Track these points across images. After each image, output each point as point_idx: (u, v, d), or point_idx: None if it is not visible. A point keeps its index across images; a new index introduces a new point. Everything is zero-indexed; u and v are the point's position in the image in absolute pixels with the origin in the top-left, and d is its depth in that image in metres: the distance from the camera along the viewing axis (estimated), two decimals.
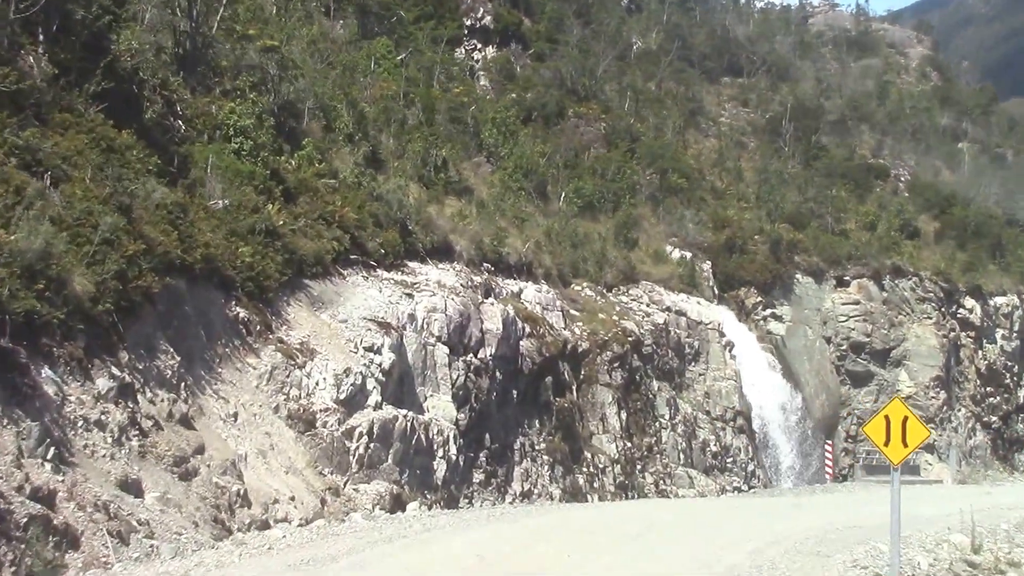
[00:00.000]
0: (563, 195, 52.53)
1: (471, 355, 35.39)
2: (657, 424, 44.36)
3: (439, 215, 39.97)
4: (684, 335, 48.70)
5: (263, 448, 26.46)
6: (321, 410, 28.60)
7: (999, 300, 70.31)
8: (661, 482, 42.85)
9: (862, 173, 79.04)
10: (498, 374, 36.51)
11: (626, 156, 59.73)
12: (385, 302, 33.20)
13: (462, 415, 34.11)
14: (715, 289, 55.50)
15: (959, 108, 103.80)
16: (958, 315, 67.38)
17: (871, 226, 69.27)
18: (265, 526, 24.58)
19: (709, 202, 64.68)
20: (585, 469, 39.58)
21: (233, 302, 28.31)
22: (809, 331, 61.68)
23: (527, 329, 38.88)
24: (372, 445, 29.33)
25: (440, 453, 32.38)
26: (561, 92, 67.28)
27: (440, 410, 33.41)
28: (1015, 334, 70.95)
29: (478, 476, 34.52)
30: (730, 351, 50.97)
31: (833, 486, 49.44)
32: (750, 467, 48.55)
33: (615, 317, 44.53)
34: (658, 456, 43.45)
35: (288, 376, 28.53)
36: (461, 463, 33.41)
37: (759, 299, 60.38)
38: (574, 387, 40.87)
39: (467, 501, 33.64)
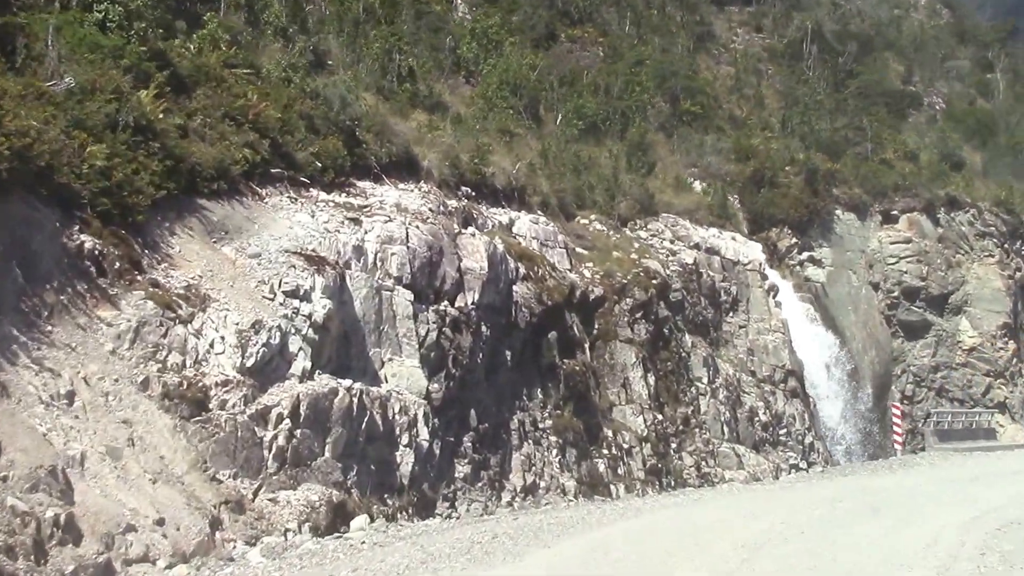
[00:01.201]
0: (560, 116, 42.80)
1: (445, 303, 25.85)
2: (694, 390, 34.78)
3: (400, 124, 30.31)
4: (719, 278, 39.05)
5: (115, 445, 17.01)
6: (217, 384, 19.29)
7: None
8: (703, 463, 33.29)
9: (895, 100, 69.38)
10: (484, 329, 26.97)
11: (633, 72, 49.74)
12: (319, 230, 23.64)
13: (435, 385, 24.64)
14: (745, 228, 45.80)
15: (977, 42, 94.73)
16: (1022, 252, 57.74)
17: (912, 156, 59.50)
18: (106, 574, 15.20)
19: (728, 132, 54.91)
20: (605, 451, 30.05)
21: (77, 227, 18.80)
22: (853, 276, 51.92)
23: (522, 270, 29.31)
24: (299, 433, 20.07)
25: (405, 440, 23.00)
26: (551, 13, 57.39)
27: (404, 379, 23.95)
28: None
29: (462, 468, 25.03)
30: (774, 296, 41.39)
31: (912, 459, 39.80)
32: (807, 439, 38.94)
33: (634, 256, 34.92)
34: (696, 431, 33.88)
35: (165, 336, 19.12)
36: (437, 452, 23.99)
37: (794, 240, 50.46)
38: (586, 345, 31.30)
39: (447, 505, 24.14)
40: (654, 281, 34.02)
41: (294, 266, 21.83)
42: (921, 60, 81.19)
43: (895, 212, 53.87)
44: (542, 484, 27.32)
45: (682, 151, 47.92)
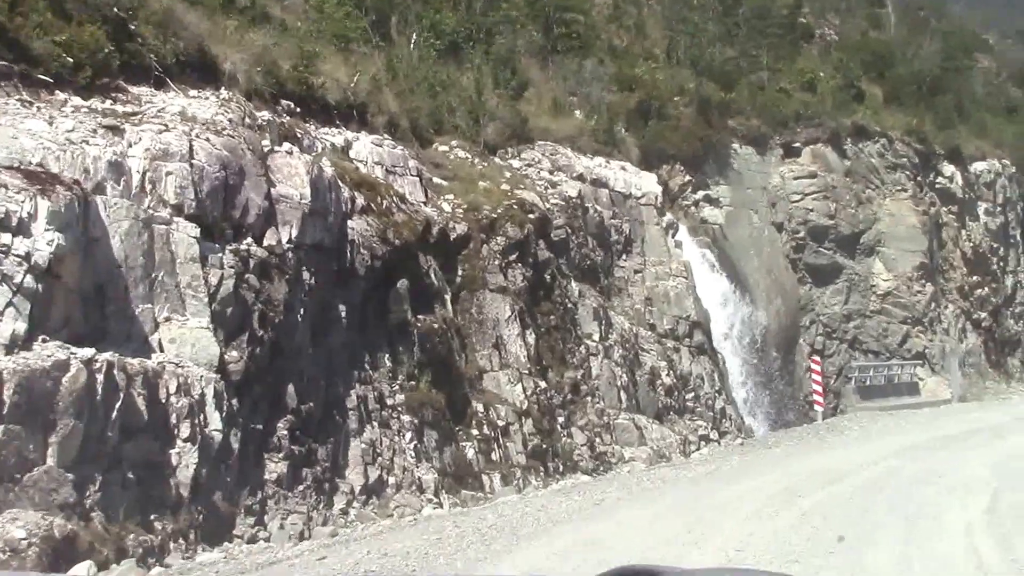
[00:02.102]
0: (415, 35, 35.86)
1: (250, 241, 19.01)
2: (583, 349, 28.27)
3: (191, 15, 23.22)
4: (608, 215, 32.64)
5: None
6: None
7: (979, 166, 55.30)
8: (597, 440, 26.84)
9: (786, 30, 63.55)
10: (308, 275, 20.22)
11: None
12: (58, 141, 16.57)
13: (234, 353, 17.88)
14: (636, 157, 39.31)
15: None
16: (937, 185, 52.28)
17: (810, 86, 53.64)
18: None
19: (608, 63, 48.48)
20: (475, 432, 23.47)
21: None
22: (755, 216, 45.94)
23: (359, 201, 22.56)
24: (5, 431, 13.09)
25: (185, 431, 16.26)
26: None
27: (187, 346, 17.06)
28: (999, 208, 56.13)
29: (275, 468, 18.25)
30: (673, 235, 35.21)
31: (837, 423, 33.71)
32: (718, 404, 32.74)
33: (505, 186, 28.31)
34: (588, 399, 27.44)
35: None
36: (235, 447, 17.26)
37: (688, 178, 44.14)
38: (447, 296, 24.62)
39: (252, 522, 17.30)
40: (531, 215, 27.45)
41: (4, 186, 14.86)
42: None
43: (797, 144, 48.02)
44: (391, 480, 20.67)
45: (558, 78, 41.32)
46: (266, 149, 20.51)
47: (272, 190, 19.80)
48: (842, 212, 47.42)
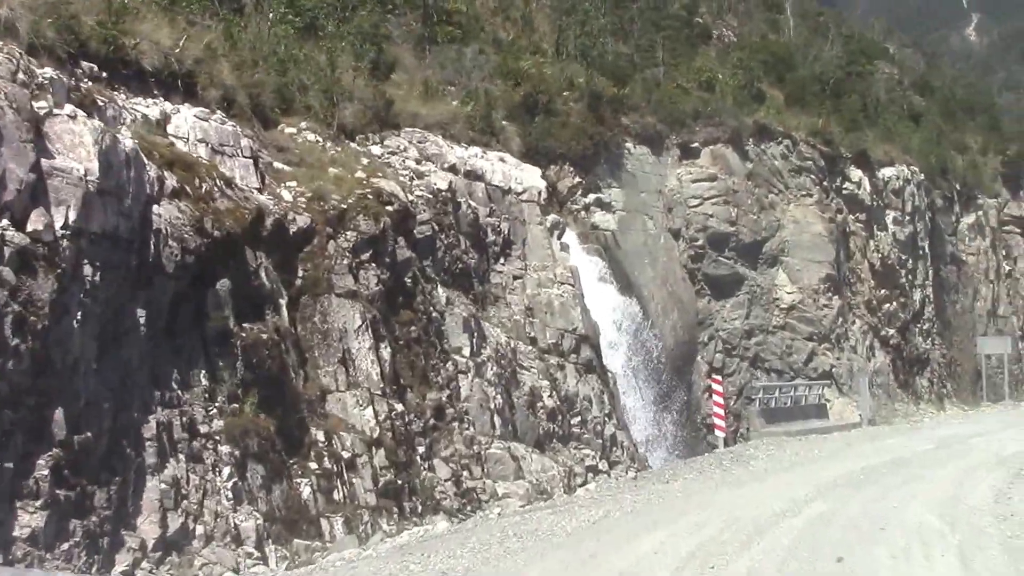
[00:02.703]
0: (272, 14, 31.48)
1: (6, 224, 14.64)
2: (451, 366, 24.06)
3: None
4: (484, 212, 28.54)
5: None
6: None
7: (888, 172, 52.18)
8: (465, 473, 22.71)
9: (682, 27, 60.15)
10: (90, 271, 15.83)
11: None
12: None
13: None
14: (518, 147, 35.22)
15: None
16: (844, 191, 49.00)
17: (709, 85, 50.08)
18: None
19: (491, 56, 44.47)
20: (314, 466, 19.23)
21: None
22: (650, 222, 42.26)
23: (170, 182, 18.22)
24: None
25: None
26: None
27: None
28: (907, 217, 53.02)
29: (30, 521, 13.86)
30: (559, 236, 31.30)
31: (742, 451, 29.71)
32: (607, 429, 28.73)
33: (360, 174, 24.07)
34: (455, 425, 23.27)
35: None
36: None
37: (577, 180, 40.32)
38: (283, 301, 20.30)
39: None
40: (389, 208, 23.25)
41: None
42: None
43: (696, 144, 44.66)
44: (199, 530, 16.38)
45: (435, 65, 37.22)
46: (42, 112, 16.14)
47: (44, 161, 15.43)
48: (743, 218, 43.93)
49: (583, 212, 40.56)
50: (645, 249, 41.57)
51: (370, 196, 22.96)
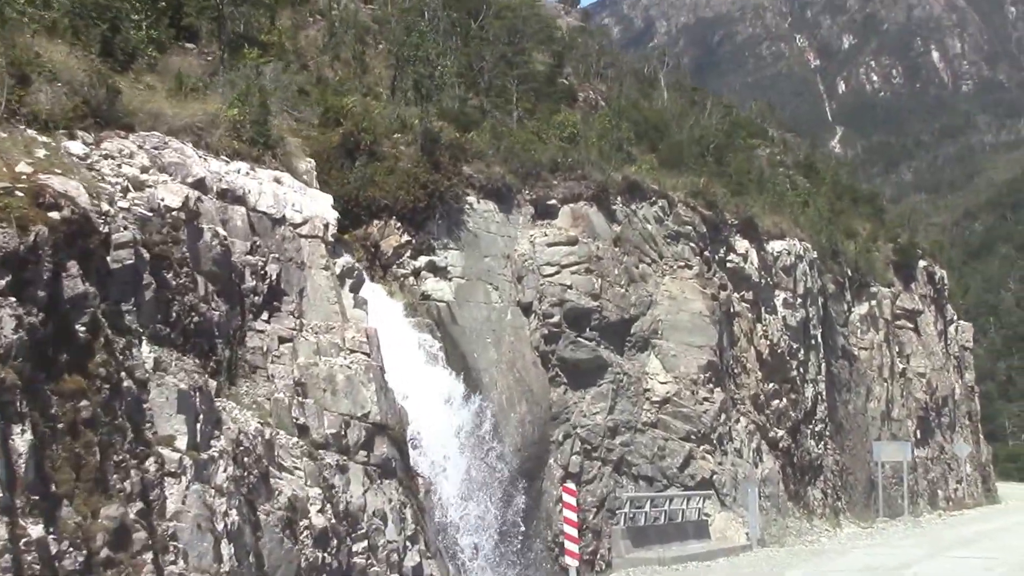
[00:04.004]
0: None
1: None
2: (152, 465, 15.42)
3: None
4: (242, 247, 20.07)
5: None
6: None
7: (777, 246, 45.15)
8: None
9: (544, 85, 52.93)
10: None
11: None
12: None
13: None
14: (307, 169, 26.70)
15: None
16: (728, 263, 41.66)
17: (571, 139, 42.47)
18: None
19: (313, 94, 36.41)
20: None
21: None
22: (494, 293, 34.39)
23: None
24: None
25: None
26: None
27: None
28: (799, 300, 45.88)
29: None
30: (352, 288, 22.99)
31: None
32: (410, 559, 20.17)
33: (25, 167, 15.54)
34: (148, 558, 14.62)
35: None
36: None
37: (406, 239, 32.51)
38: None
39: None
40: (55, 215, 14.74)
41: None
42: (573, 58, 66.21)
43: (553, 201, 37.24)
44: None
45: (225, 84, 28.77)
46: None
47: None
48: (609, 291, 36.23)
49: (412, 278, 32.81)
50: (488, 326, 33.74)
51: (21, 194, 14.47)
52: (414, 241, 33.13)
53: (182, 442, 15.89)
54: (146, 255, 16.75)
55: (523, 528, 30.74)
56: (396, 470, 20.69)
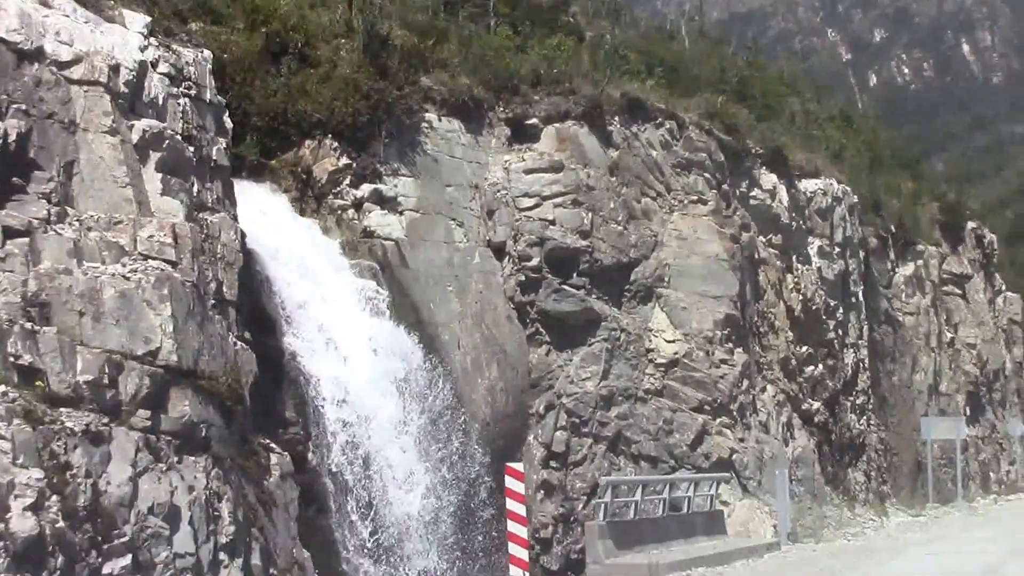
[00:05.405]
0: None
1: None
2: None
3: None
4: None
5: None
6: None
7: (810, 185, 38.72)
8: None
9: (544, 13, 46.92)
10: None
11: None
12: None
13: None
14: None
15: None
16: (752, 201, 35.18)
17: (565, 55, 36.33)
18: None
19: None
20: None
21: None
22: (458, 231, 28.41)
23: None
24: None
25: None
26: None
27: None
28: (837, 250, 39.45)
29: None
30: (159, 162, 15.93)
31: None
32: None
33: None
34: None
35: None
36: None
37: (345, 162, 26.52)
38: None
39: None
40: None
41: None
42: None
43: (534, 120, 30.96)
44: None
45: None
46: None
47: None
48: (603, 229, 30.09)
49: (352, 210, 26.96)
50: (449, 271, 27.95)
51: None
52: (355, 165, 27.41)
53: None
54: None
55: (489, 524, 24.65)
56: (211, 441, 13.78)
